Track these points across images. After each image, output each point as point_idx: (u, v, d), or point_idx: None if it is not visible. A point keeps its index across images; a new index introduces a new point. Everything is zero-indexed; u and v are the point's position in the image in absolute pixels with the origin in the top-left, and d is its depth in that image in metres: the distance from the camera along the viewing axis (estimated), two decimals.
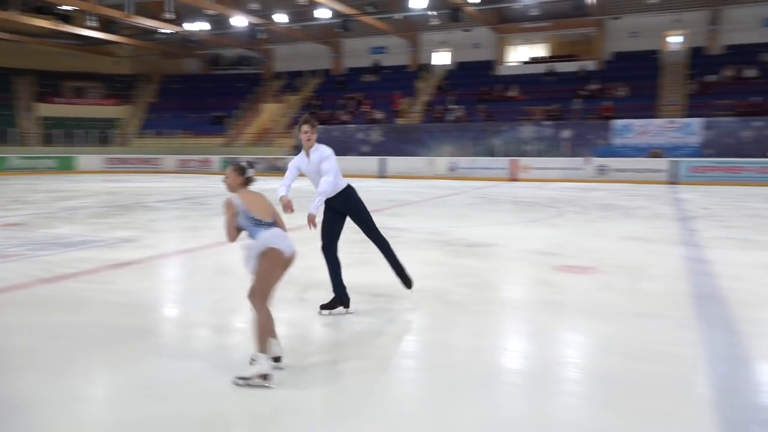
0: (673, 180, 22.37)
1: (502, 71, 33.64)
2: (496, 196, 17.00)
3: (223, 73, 41.23)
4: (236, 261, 7.37)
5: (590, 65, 31.50)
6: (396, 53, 36.90)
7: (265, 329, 3.45)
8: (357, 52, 37.79)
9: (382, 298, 5.31)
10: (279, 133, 32.80)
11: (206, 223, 10.64)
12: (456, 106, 30.29)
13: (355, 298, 4.94)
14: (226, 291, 5.66)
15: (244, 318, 4.93)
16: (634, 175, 23.00)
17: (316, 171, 4.68)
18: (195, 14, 32.17)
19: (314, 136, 4.63)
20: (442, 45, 35.99)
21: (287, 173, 4.81)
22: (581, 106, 28.03)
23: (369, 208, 5.03)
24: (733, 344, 4.21)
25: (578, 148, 25.25)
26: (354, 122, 31.27)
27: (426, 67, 35.39)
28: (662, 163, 23.13)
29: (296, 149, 30.70)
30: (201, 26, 32.50)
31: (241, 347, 3.95)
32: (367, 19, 31.08)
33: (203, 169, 30.81)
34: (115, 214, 11.85)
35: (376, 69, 36.73)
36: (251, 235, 3.56)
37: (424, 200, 15.78)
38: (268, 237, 3.52)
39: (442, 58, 36.15)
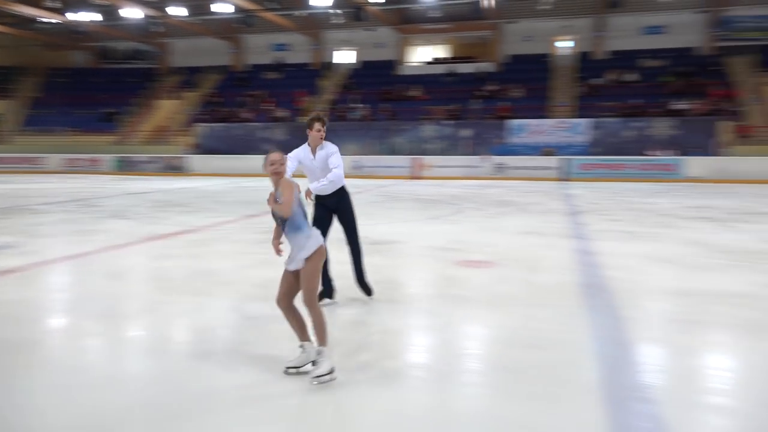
0: (564, 177, 23.70)
1: (404, 71, 34.19)
2: (399, 194, 17.27)
3: (114, 67, 38.94)
4: (132, 264, 7.05)
5: (488, 67, 32.72)
6: (299, 51, 36.51)
7: (323, 322, 3.45)
8: (259, 49, 37.01)
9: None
10: (176, 131, 31.47)
11: (98, 226, 10.00)
12: (360, 105, 30.47)
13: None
14: (121, 297, 5.37)
15: (142, 323, 4.70)
16: (529, 173, 24.14)
17: (321, 167, 5.02)
18: (82, 4, 30.16)
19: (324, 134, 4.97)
20: (345, 43, 36.04)
21: (288, 163, 4.70)
22: (480, 106, 29.06)
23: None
24: (616, 329, 4.57)
25: (477, 146, 26.18)
26: (257, 120, 30.65)
27: (329, 66, 35.32)
28: (554, 161, 24.44)
29: (197, 147, 29.73)
30: (89, 17, 30.54)
31: (137, 354, 3.76)
32: (269, 15, 30.55)
33: (93, 168, 29.02)
34: None
35: (278, 66, 36.15)
36: (297, 225, 3.52)
37: None
38: (318, 234, 3.60)
39: (346, 56, 36.20)
